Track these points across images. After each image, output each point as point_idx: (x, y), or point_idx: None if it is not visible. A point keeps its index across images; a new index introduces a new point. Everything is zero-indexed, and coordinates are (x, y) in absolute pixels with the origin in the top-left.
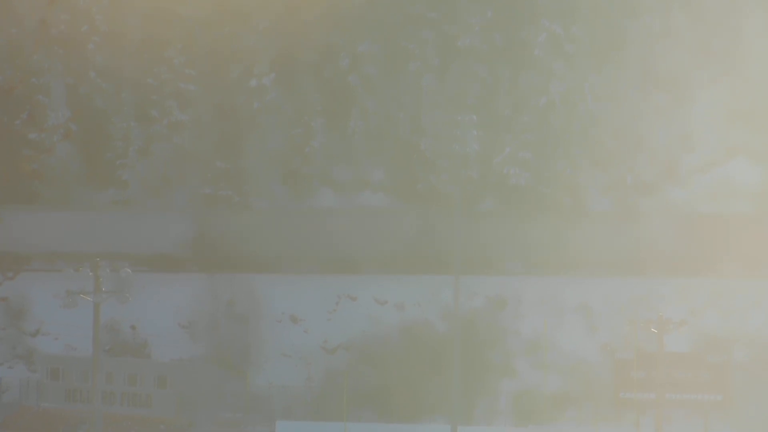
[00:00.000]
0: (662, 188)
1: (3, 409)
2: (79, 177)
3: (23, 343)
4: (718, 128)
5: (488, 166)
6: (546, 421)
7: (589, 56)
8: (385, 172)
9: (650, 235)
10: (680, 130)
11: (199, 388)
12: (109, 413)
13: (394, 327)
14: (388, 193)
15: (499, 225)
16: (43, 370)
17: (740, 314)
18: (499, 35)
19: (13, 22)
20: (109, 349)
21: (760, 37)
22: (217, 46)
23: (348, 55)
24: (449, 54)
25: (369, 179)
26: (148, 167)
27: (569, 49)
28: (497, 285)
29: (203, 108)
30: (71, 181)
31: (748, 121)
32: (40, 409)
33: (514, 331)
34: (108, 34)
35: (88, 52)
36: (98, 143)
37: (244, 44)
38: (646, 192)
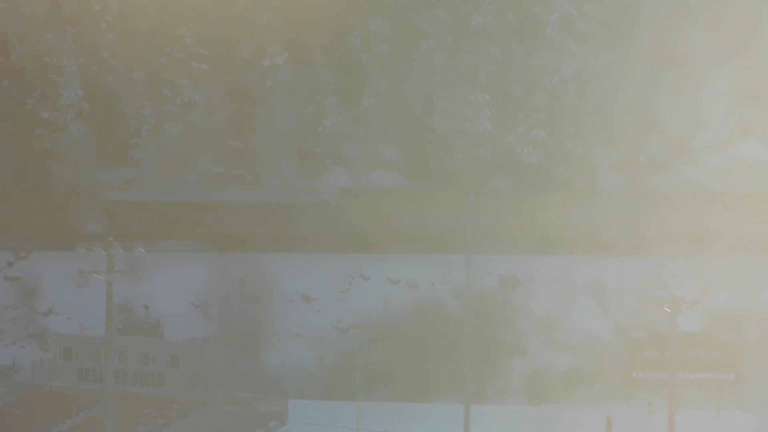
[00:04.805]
0: (674, 167)
1: (16, 389)
2: (92, 156)
3: (36, 322)
4: (730, 107)
5: (500, 145)
6: (558, 400)
7: (602, 35)
8: (397, 151)
9: (662, 214)
10: (692, 109)
11: (212, 368)
12: (122, 393)
13: (407, 306)
14: (401, 172)
15: (512, 204)
16: (55, 350)
17: (752, 293)
18: (512, 14)
19: (25, 1)
20: (121, 329)
21: None
22: (229, 26)
23: (360, 34)
24: (461, 33)
25: (381, 158)
26: (160, 146)
27: (582, 28)
28: (509, 264)
29: (216, 87)
30: (84, 160)
31: (759, 99)
32: (52, 389)
33: (526, 310)
34: (120, 14)
35: (101, 32)
36: (111, 122)
37: (257, 24)
38: (658, 170)
